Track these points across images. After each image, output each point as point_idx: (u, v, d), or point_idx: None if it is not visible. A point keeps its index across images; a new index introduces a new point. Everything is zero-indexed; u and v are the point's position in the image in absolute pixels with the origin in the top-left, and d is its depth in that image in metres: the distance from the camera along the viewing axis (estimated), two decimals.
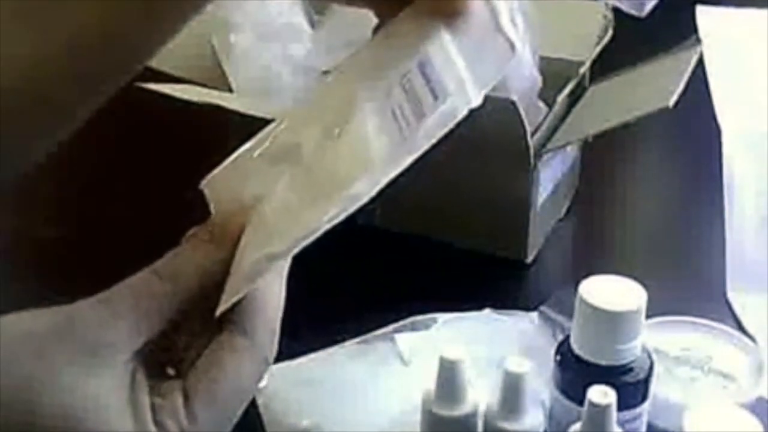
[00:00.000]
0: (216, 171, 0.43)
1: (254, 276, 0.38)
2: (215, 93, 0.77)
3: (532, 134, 0.73)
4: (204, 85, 0.78)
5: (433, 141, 0.40)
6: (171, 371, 0.39)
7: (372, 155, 0.39)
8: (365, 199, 0.38)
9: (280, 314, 0.39)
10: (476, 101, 0.40)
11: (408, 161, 0.39)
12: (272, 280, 0.39)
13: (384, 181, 0.39)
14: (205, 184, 0.43)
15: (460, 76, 0.41)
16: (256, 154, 0.43)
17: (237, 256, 0.39)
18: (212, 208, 0.42)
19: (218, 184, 0.43)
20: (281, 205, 0.40)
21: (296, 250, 0.37)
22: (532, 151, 0.73)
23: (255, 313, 0.38)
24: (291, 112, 0.46)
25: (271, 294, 0.39)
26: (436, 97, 0.40)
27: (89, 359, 0.36)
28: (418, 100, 0.41)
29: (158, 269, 0.39)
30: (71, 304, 0.38)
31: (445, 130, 0.40)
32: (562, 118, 0.79)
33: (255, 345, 0.38)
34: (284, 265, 0.40)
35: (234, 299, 0.38)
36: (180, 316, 0.38)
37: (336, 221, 0.37)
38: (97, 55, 0.39)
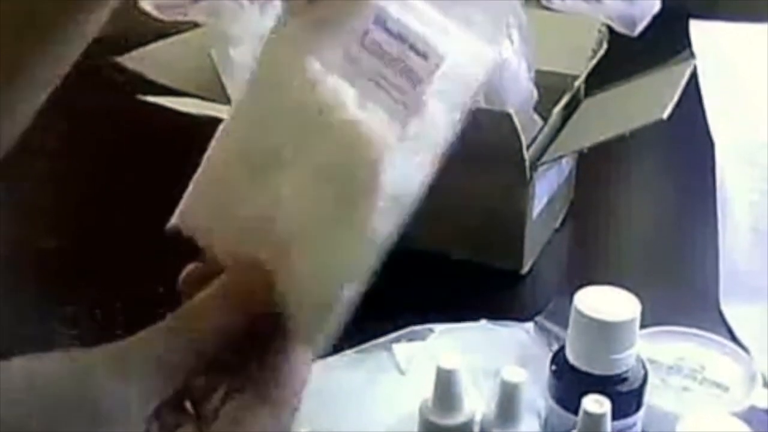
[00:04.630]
0: (187, 201, 0.39)
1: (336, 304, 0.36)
2: (214, 105, 0.77)
3: (528, 147, 0.74)
4: (203, 98, 0.78)
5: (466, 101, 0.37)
6: (189, 407, 0.38)
7: (368, 134, 0.36)
8: (394, 190, 0.36)
9: (305, 389, 0.39)
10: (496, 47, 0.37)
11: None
12: (304, 353, 0.39)
13: (404, 160, 0.36)
14: (179, 220, 0.39)
15: (437, 22, 0.37)
16: (231, 170, 0.39)
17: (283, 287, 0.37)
18: (200, 241, 0.39)
19: (196, 215, 0.39)
20: (310, 229, 0.37)
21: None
22: (527, 164, 0.74)
23: (283, 383, 0.38)
24: (239, 109, 0.40)
25: (300, 367, 0.39)
26: (423, 55, 0.37)
27: (103, 425, 0.35)
28: (398, 61, 0.37)
29: (175, 326, 0.37)
30: (84, 354, 0.37)
31: (476, 83, 0.37)
32: (558, 130, 0.80)
33: (277, 416, 0.38)
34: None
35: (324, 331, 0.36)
36: (197, 370, 0.37)
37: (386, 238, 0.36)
38: (23, 38, 0.38)
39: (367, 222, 0.35)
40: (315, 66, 0.37)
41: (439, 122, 0.37)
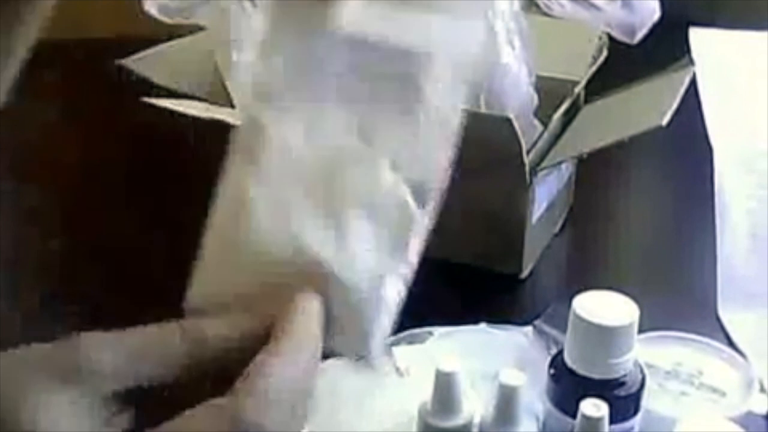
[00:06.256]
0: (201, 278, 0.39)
1: None
2: (217, 108, 0.78)
3: (528, 152, 0.74)
4: (206, 101, 0.79)
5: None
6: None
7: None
8: None
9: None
10: None
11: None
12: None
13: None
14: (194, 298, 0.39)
15: (415, 21, 0.38)
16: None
17: None
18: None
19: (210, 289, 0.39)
20: None
21: None
22: (527, 168, 0.74)
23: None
24: None
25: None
26: (406, 54, 0.38)
27: (67, 383, 0.34)
28: (384, 71, 0.37)
29: (187, 327, 0.36)
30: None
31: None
32: (557, 136, 0.80)
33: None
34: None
35: None
36: (189, 378, 0.36)
37: None
38: None
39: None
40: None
41: (444, 104, 0.39)
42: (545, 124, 0.79)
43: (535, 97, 0.80)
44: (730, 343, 0.69)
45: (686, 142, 0.84)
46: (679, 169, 0.94)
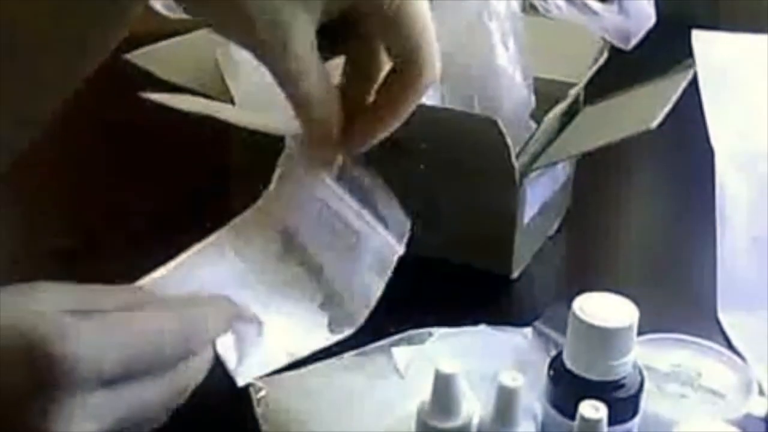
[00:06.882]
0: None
1: None
2: (218, 105, 0.77)
3: (519, 153, 0.74)
4: (207, 97, 0.79)
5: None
6: None
7: None
8: None
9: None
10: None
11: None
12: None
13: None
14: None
15: (366, 217, 0.52)
16: None
17: None
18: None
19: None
20: None
21: None
22: (516, 170, 0.74)
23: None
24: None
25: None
26: (356, 236, 0.52)
27: (20, 295, 0.39)
28: (341, 236, 0.52)
29: (146, 289, 0.43)
30: None
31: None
32: (555, 138, 0.80)
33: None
34: None
35: None
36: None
37: None
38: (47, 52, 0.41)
39: None
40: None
41: (370, 283, 0.53)
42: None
43: (533, 98, 0.80)
44: (730, 346, 0.69)
45: (687, 144, 0.84)
46: (680, 172, 0.94)
